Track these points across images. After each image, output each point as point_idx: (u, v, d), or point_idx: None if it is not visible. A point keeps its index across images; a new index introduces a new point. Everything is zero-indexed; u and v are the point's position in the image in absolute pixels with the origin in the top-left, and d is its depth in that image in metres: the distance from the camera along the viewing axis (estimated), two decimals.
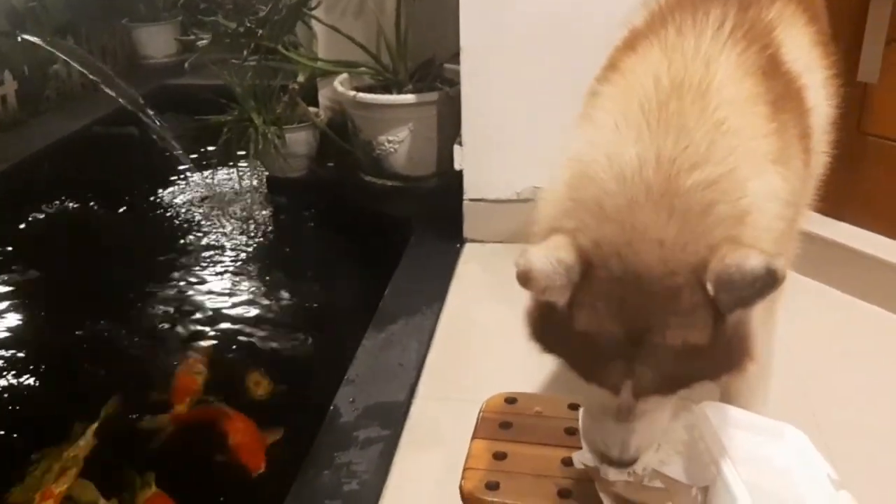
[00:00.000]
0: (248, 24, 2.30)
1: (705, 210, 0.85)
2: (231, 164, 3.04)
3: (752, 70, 1.01)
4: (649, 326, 0.84)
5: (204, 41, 2.52)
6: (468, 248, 2.35)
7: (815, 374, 1.73)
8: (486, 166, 2.30)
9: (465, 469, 1.17)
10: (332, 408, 1.71)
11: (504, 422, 1.26)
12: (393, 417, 1.67)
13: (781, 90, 1.04)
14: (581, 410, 1.03)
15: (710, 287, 0.82)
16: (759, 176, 0.91)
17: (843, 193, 2.05)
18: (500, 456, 1.19)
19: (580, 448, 1.09)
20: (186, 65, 2.80)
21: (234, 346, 2.29)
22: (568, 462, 1.15)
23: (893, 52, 1.87)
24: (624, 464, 0.95)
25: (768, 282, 0.79)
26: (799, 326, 1.69)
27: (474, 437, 1.24)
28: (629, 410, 0.91)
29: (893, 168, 1.95)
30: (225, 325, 2.39)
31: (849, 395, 1.69)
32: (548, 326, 0.94)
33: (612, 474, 1.00)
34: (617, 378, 0.88)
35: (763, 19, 1.10)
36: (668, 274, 0.84)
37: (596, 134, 0.95)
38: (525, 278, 0.86)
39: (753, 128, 0.95)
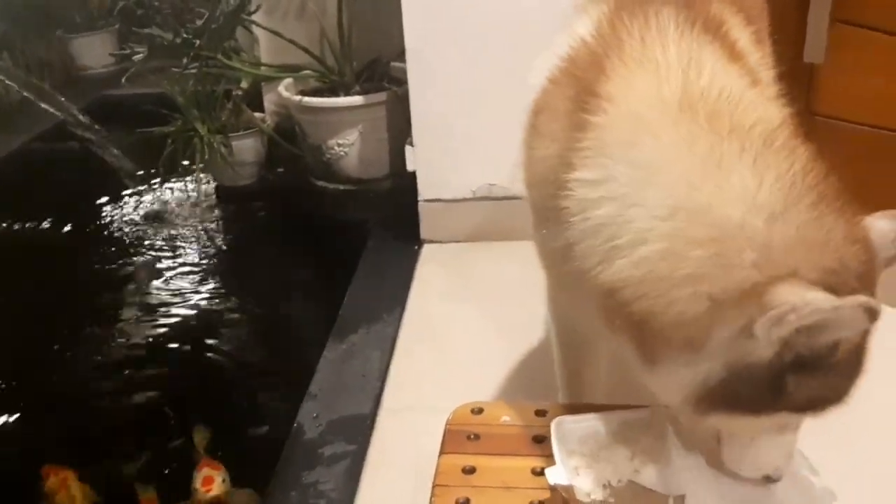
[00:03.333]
0: (186, 35, 2.23)
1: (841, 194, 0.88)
2: (178, 175, 2.96)
3: (732, 59, 1.00)
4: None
5: (140, 55, 2.43)
6: (426, 250, 2.32)
7: None
8: (439, 166, 2.26)
9: (434, 486, 1.14)
10: (295, 425, 1.67)
11: (472, 434, 1.23)
12: (358, 432, 1.63)
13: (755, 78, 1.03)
14: (727, 444, 0.97)
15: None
16: None
17: None
18: (469, 470, 1.16)
19: (548, 456, 1.08)
20: (123, 80, 2.71)
21: (190, 365, 2.24)
22: (538, 472, 1.12)
23: (838, 32, 1.87)
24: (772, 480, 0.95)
25: None
26: None
27: (442, 451, 1.21)
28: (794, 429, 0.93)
29: (844, 148, 1.95)
30: (179, 343, 2.34)
31: None
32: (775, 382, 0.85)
33: (587, 494, 0.97)
34: (853, 384, 0.87)
35: (710, 13, 1.09)
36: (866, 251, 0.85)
37: (684, 194, 0.87)
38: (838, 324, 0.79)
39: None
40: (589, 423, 1.14)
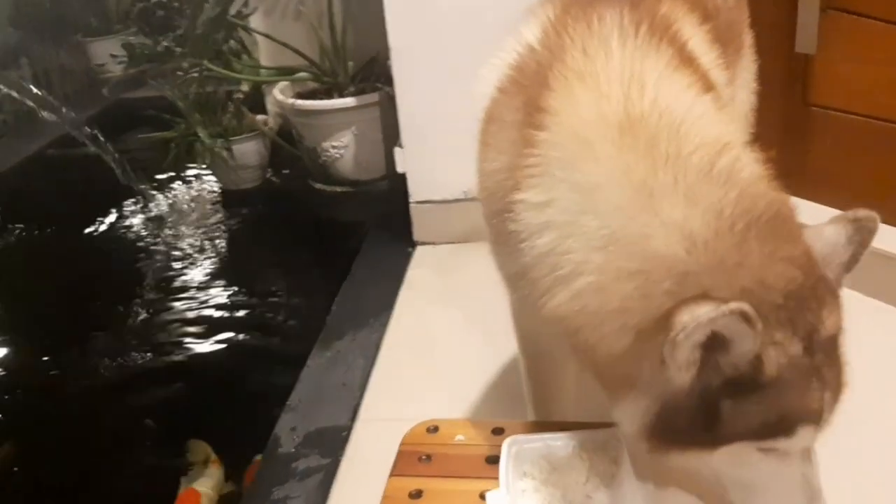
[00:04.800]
0: (167, 44, 2.22)
1: (779, 216, 0.84)
2: (182, 179, 2.98)
3: (681, 64, 0.95)
4: (815, 327, 0.81)
5: (122, 64, 2.44)
6: (419, 252, 2.29)
7: None
8: (429, 167, 2.23)
9: None
10: (272, 437, 1.67)
11: (423, 455, 1.20)
12: (334, 444, 1.62)
13: (706, 82, 0.98)
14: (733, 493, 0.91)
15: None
16: None
17: (790, 166, 1.98)
18: (415, 494, 1.13)
19: (497, 478, 1.05)
20: (105, 91, 2.73)
21: (195, 367, 2.26)
22: (485, 496, 1.10)
23: (829, 21, 1.79)
24: None
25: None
26: None
27: (392, 473, 1.19)
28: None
29: (839, 139, 1.88)
30: (187, 344, 2.35)
31: None
32: (700, 418, 0.83)
33: None
34: (819, 400, 0.82)
35: (659, 13, 1.04)
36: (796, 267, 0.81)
37: (618, 224, 0.85)
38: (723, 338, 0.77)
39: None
40: (543, 444, 1.11)
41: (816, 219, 2.03)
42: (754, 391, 0.80)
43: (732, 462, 0.85)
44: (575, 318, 0.86)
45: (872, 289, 1.84)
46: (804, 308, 0.81)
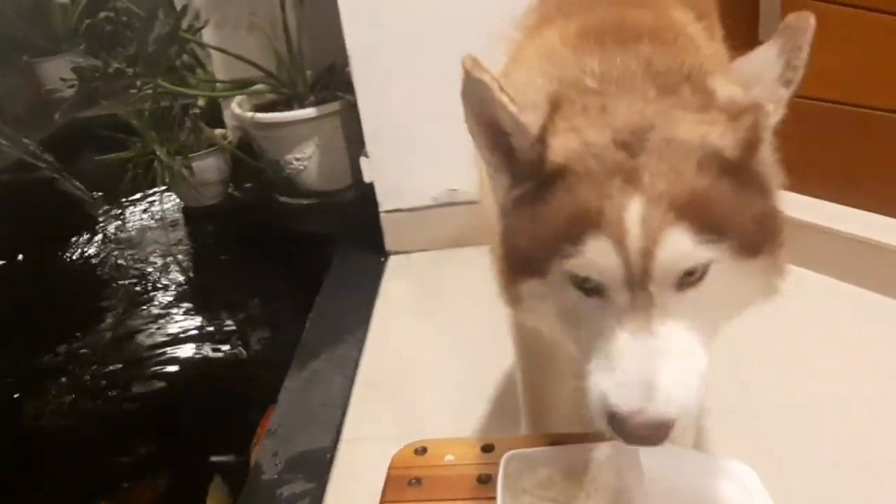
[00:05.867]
0: (118, 65, 2.15)
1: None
2: (141, 199, 2.90)
3: None
4: (652, 124, 0.73)
5: (72, 87, 2.37)
6: (392, 262, 2.25)
7: (750, 350, 1.67)
8: (396, 175, 2.19)
9: None
10: (253, 465, 1.62)
11: (413, 478, 1.17)
12: (318, 468, 1.58)
13: None
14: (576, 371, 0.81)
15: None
16: None
17: None
18: None
19: (491, 498, 1.02)
20: (57, 116, 2.65)
21: (162, 390, 2.20)
22: None
23: (792, 7, 1.77)
24: (660, 427, 0.70)
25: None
26: None
27: (382, 500, 1.15)
28: (650, 297, 0.69)
29: (810, 126, 1.87)
30: (153, 367, 2.30)
31: (788, 372, 1.63)
32: (516, 223, 0.78)
33: None
34: (618, 205, 0.69)
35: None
36: (663, 73, 0.78)
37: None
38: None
39: None
40: (542, 459, 1.08)
41: (787, 206, 2.04)
42: (540, 186, 0.75)
43: (557, 301, 0.77)
44: None
45: (844, 273, 1.84)
46: (634, 99, 0.77)
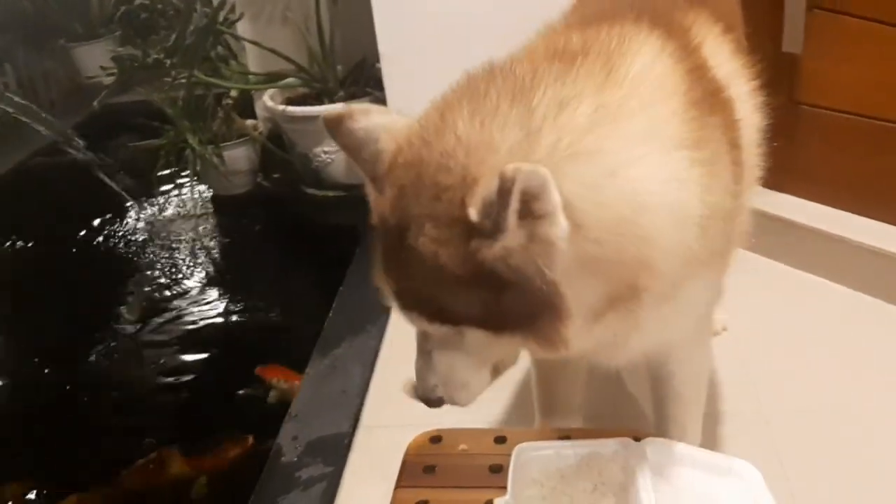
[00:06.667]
0: (156, 56, 2.22)
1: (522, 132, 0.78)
2: (172, 186, 2.97)
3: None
4: (409, 225, 0.80)
5: (112, 75, 2.44)
6: None
7: (759, 353, 1.71)
8: None
9: None
10: (274, 447, 1.68)
11: (427, 465, 1.22)
12: (336, 452, 1.63)
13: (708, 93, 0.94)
14: None
15: (470, 207, 0.75)
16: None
17: (779, 164, 2.00)
18: None
19: (502, 487, 1.07)
20: (95, 103, 2.73)
21: (186, 373, 2.26)
22: None
23: (816, 19, 1.81)
24: (428, 402, 0.96)
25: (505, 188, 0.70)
26: (740, 302, 1.66)
27: (397, 485, 1.20)
28: (423, 337, 0.90)
29: (828, 136, 1.90)
30: (179, 351, 2.35)
31: (796, 376, 1.66)
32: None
33: None
34: (381, 280, 0.86)
35: (679, 22, 1.05)
36: (442, 169, 0.78)
37: None
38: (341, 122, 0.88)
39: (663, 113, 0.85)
40: (552, 452, 1.13)
41: (804, 216, 2.08)
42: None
43: None
44: None
45: (862, 284, 1.87)
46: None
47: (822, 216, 1.92)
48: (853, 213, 1.91)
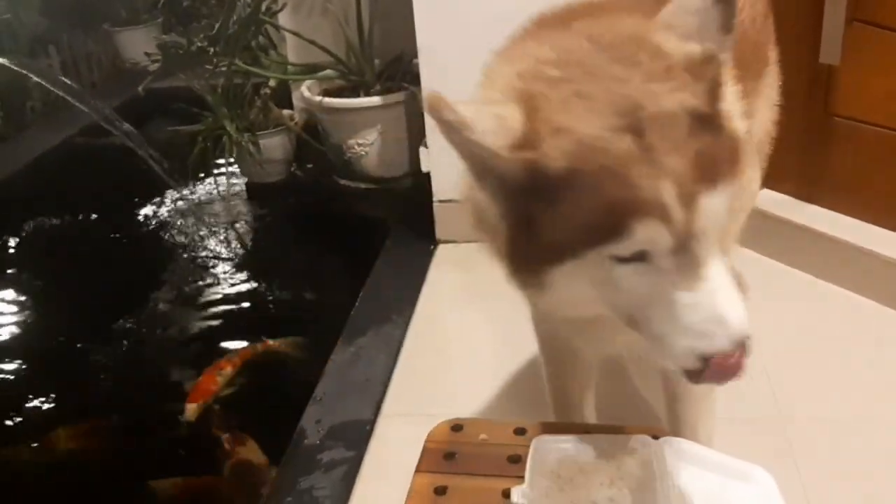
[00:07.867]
0: (200, 44, 2.27)
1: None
2: (208, 172, 3.02)
3: None
4: (637, 103, 0.74)
5: (156, 62, 2.49)
6: (441, 250, 2.33)
7: (782, 362, 1.71)
8: (452, 167, 2.25)
9: None
10: (297, 429, 1.71)
11: (448, 452, 1.24)
12: (357, 437, 1.67)
13: None
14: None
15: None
16: None
17: (812, 176, 2.02)
18: (440, 491, 1.17)
19: (521, 477, 1.09)
20: (140, 88, 2.78)
21: (217, 358, 2.30)
22: (507, 494, 1.13)
23: (854, 32, 1.80)
24: (741, 339, 0.77)
25: None
26: (768, 312, 1.68)
27: (417, 470, 1.23)
28: (695, 255, 0.74)
29: (862, 149, 1.90)
30: (208, 335, 2.40)
31: (818, 386, 1.66)
32: (528, 228, 0.80)
33: None
34: (653, 188, 0.72)
35: None
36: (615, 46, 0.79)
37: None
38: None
39: None
40: (569, 445, 1.14)
41: (838, 228, 2.07)
42: (550, 190, 0.75)
43: (594, 278, 0.79)
44: None
45: (888, 297, 1.86)
46: (605, 81, 0.77)
47: (853, 229, 1.92)
48: (884, 227, 1.91)
